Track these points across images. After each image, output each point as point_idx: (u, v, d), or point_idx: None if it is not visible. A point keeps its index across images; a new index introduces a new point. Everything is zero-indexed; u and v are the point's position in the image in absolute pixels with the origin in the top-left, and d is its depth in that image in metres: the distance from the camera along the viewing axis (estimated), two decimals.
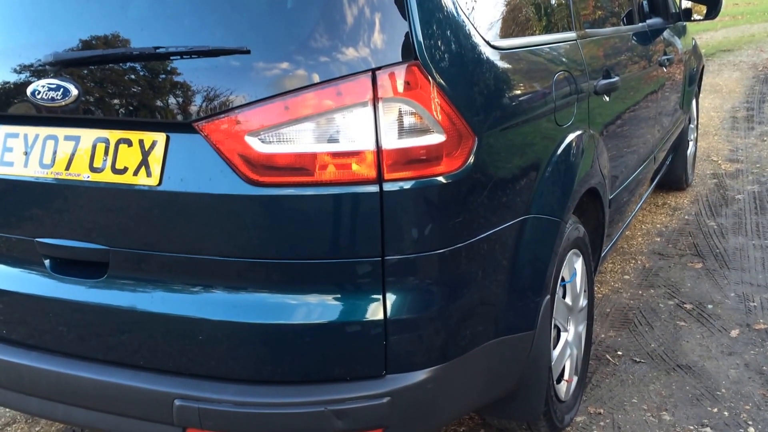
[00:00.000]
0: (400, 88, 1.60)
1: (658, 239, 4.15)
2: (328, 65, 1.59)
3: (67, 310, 1.85)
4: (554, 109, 2.15)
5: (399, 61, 1.61)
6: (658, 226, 4.37)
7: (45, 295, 1.88)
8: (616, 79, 2.60)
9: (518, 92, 1.98)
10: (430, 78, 1.62)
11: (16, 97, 1.84)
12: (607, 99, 2.59)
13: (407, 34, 1.61)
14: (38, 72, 1.79)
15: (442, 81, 1.64)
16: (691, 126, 4.93)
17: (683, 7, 4.06)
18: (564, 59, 2.29)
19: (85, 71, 1.76)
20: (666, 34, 3.82)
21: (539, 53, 2.16)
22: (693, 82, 4.64)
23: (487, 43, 1.85)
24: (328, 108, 1.59)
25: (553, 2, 2.29)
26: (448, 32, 1.72)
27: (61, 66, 1.76)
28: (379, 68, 1.59)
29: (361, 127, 1.59)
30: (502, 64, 1.91)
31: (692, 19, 4.04)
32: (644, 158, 3.43)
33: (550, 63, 2.20)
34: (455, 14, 1.75)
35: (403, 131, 1.61)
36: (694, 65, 4.64)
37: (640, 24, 3.25)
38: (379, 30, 1.62)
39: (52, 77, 1.76)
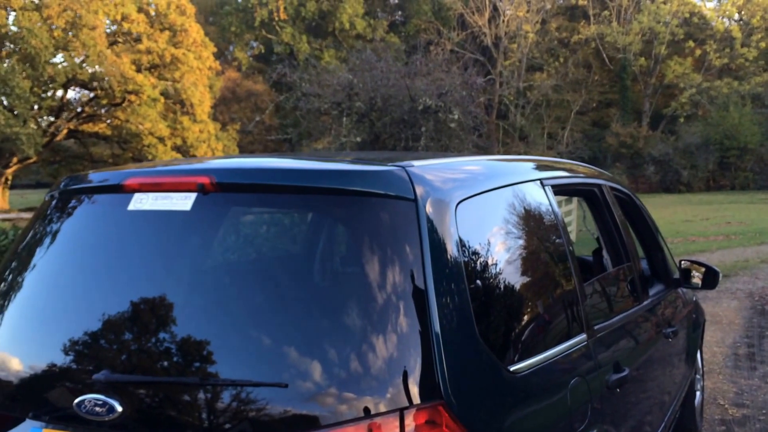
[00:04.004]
0: (426, 427, 1.69)
1: None
2: (359, 403, 1.70)
3: None
4: (569, 414, 2.23)
5: (425, 401, 1.71)
6: None
7: None
8: (626, 372, 2.70)
9: (536, 409, 2.07)
10: (454, 416, 1.72)
11: (62, 405, 1.92)
12: (619, 391, 2.68)
13: (433, 375, 1.74)
14: (87, 385, 1.89)
15: (466, 417, 1.74)
16: (697, 377, 4.99)
17: (683, 266, 4.22)
18: (577, 365, 2.40)
19: (132, 392, 1.86)
20: (670, 295, 3.97)
21: (555, 367, 2.27)
22: (696, 337, 4.76)
23: (507, 369, 1.97)
24: None
25: (565, 312, 2.45)
26: (472, 370, 1.84)
27: (109, 384, 1.87)
28: (406, 408, 1.70)
29: None
30: (521, 387, 2.02)
31: (692, 283, 4.16)
32: (658, 426, 3.45)
33: (565, 374, 2.31)
34: (478, 352, 1.87)
35: None
36: (697, 320, 4.78)
37: (645, 303, 3.41)
38: (407, 371, 1.74)
39: (99, 393, 1.86)
